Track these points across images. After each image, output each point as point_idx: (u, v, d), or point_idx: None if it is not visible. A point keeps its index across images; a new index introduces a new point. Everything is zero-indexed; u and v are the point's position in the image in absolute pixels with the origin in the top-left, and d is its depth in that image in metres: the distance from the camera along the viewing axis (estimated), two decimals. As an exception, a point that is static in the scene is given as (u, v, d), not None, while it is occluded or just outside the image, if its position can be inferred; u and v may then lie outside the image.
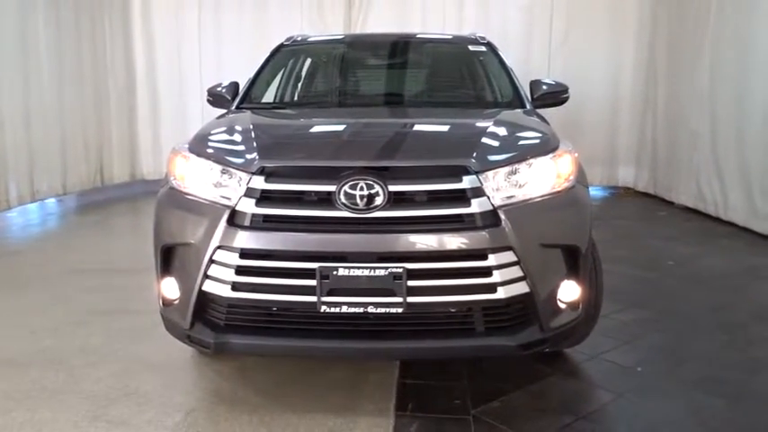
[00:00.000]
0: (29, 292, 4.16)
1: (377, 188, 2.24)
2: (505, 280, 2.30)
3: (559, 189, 2.50)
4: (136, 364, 3.02)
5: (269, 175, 2.34)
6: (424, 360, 2.86)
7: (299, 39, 4.10)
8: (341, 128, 2.90)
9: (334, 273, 2.23)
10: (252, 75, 3.70)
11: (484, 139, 2.57)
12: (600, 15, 8.31)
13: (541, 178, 2.46)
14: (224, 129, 2.76)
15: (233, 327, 2.39)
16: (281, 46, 3.97)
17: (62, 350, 3.19)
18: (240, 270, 2.30)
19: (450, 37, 4.19)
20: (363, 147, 2.52)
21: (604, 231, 6.08)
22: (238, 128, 2.73)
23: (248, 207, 2.31)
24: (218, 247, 2.31)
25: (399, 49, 4.09)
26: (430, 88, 3.79)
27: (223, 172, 2.42)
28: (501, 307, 2.35)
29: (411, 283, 2.24)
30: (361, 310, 2.26)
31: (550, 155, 2.54)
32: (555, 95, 3.61)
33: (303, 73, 4.03)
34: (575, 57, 8.41)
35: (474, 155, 2.36)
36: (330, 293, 2.25)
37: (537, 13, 8.45)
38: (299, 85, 3.97)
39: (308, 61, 4.07)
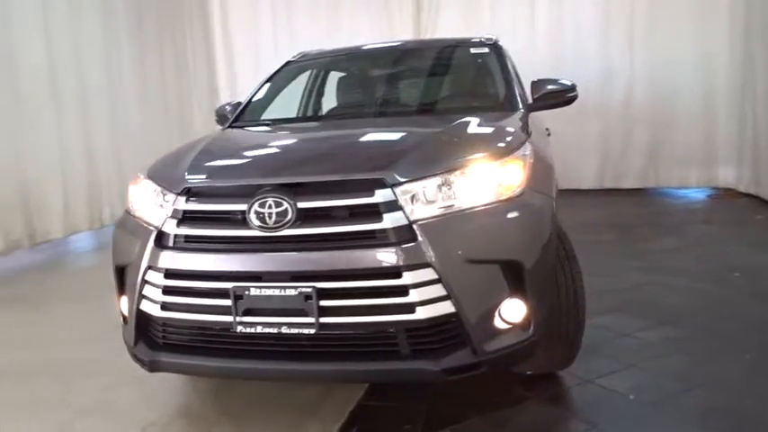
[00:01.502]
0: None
1: (285, 205, 2.18)
2: (425, 299, 2.14)
3: (502, 199, 2.30)
4: (127, 377, 3.15)
5: (191, 195, 2.36)
6: (346, 382, 2.75)
7: (309, 54, 4.11)
8: (279, 145, 2.87)
9: (247, 293, 2.20)
10: (251, 93, 3.77)
11: (416, 150, 2.42)
12: (685, 3, 7.65)
13: (478, 188, 2.27)
14: (180, 151, 2.82)
15: (168, 345, 2.42)
16: (287, 63, 4.00)
17: (69, 362, 3.39)
18: (166, 290, 2.33)
19: (452, 41, 4.02)
20: (281, 163, 2.47)
21: (677, 238, 5.60)
22: (191, 149, 2.78)
23: (171, 228, 2.34)
24: (149, 268, 2.36)
25: (395, 59, 3.99)
26: (414, 97, 3.66)
27: (161, 193, 2.47)
28: (424, 328, 2.19)
29: (323, 303, 2.16)
30: (276, 330, 2.21)
31: (493, 162, 2.35)
32: (558, 95, 3.35)
33: (302, 89, 4.04)
34: (659, 49, 7.82)
35: (393, 167, 2.23)
36: (246, 313, 2.22)
37: (614, 6, 7.95)
38: (298, 101, 3.99)
39: (310, 76, 4.07)
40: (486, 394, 2.75)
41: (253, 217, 2.20)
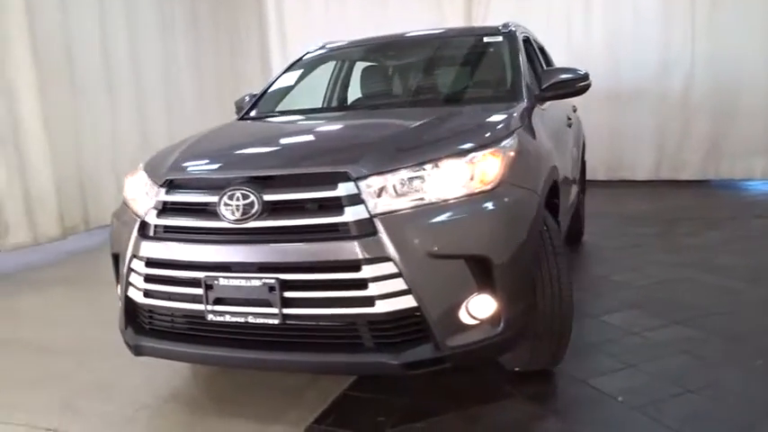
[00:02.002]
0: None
1: (252, 198, 2.22)
2: (385, 293, 2.14)
3: (472, 193, 2.26)
4: (137, 360, 3.29)
5: (171, 187, 2.45)
6: (310, 372, 2.76)
7: (328, 46, 4.14)
8: (261, 137, 2.92)
9: (217, 282, 2.27)
10: (267, 84, 3.84)
11: (386, 142, 2.40)
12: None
13: (447, 182, 2.24)
14: (176, 144, 2.91)
15: (152, 331, 2.53)
16: (305, 54, 4.05)
17: (94, 341, 3.58)
18: (147, 278, 2.44)
19: (467, 31, 3.94)
20: (254, 156, 2.51)
21: (723, 233, 5.35)
22: (186, 142, 2.87)
23: (152, 218, 2.43)
24: (133, 256, 2.47)
25: (406, 50, 3.94)
26: (414, 89, 3.62)
27: (150, 185, 2.57)
28: (385, 322, 2.20)
29: (287, 294, 2.20)
30: (243, 319, 2.27)
31: (466, 156, 2.31)
32: (568, 84, 3.24)
33: (317, 80, 4.06)
34: (723, 37, 7.41)
35: (358, 160, 2.23)
36: (216, 302, 2.29)
37: (674, -6, 7.58)
38: (320, 92, 4.00)
39: (326, 68, 4.09)
40: (471, 389, 2.73)
41: (222, 209, 2.26)
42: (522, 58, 3.37)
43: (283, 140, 2.81)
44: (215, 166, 2.48)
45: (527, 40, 3.93)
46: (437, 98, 3.50)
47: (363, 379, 2.84)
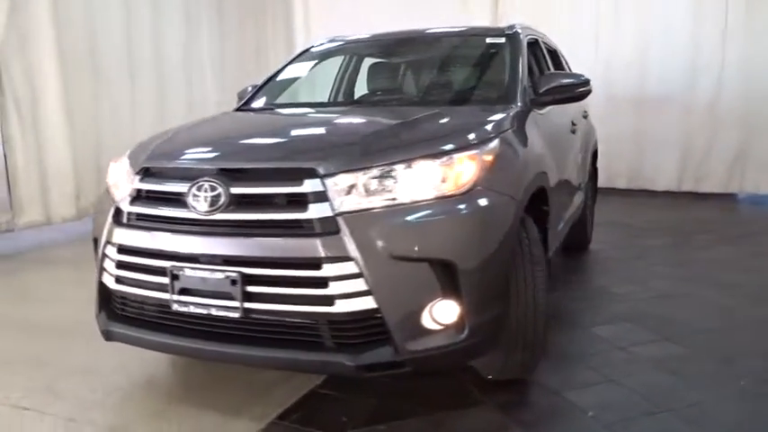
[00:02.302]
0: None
1: (219, 190, 2.22)
2: (345, 293, 2.12)
3: (442, 196, 2.22)
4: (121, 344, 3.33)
5: (146, 175, 2.46)
6: (269, 368, 2.72)
7: (332, 40, 4.12)
8: (240, 130, 2.91)
9: (182, 273, 2.27)
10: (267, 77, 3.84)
11: (359, 141, 2.38)
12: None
13: (416, 183, 2.21)
14: (161, 133, 2.92)
15: (122, 317, 2.55)
16: (308, 49, 4.04)
17: (86, 324, 3.62)
18: (119, 264, 2.46)
19: (471, 31, 3.87)
20: (227, 148, 2.49)
21: (737, 248, 5.23)
22: (169, 131, 2.88)
23: (126, 205, 2.45)
24: (107, 242, 2.49)
25: (408, 48, 3.89)
26: (407, 88, 3.59)
27: (130, 172, 2.58)
28: (345, 322, 2.18)
29: (249, 288, 2.19)
30: (206, 311, 2.27)
31: (440, 158, 2.27)
32: (566, 89, 3.19)
33: (321, 74, 4.03)
34: (756, 42, 7.19)
35: (327, 157, 2.21)
36: (181, 293, 2.29)
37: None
38: (319, 86, 3.98)
39: (331, 62, 4.06)
40: (443, 394, 2.70)
41: (191, 199, 2.26)
42: (523, 61, 3.30)
43: (261, 134, 2.80)
44: (189, 157, 2.48)
45: (534, 43, 3.87)
46: (429, 98, 3.46)
47: (336, 377, 2.82)
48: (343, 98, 3.69)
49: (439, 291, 2.20)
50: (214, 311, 2.25)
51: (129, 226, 2.43)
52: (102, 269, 2.54)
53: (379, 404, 2.63)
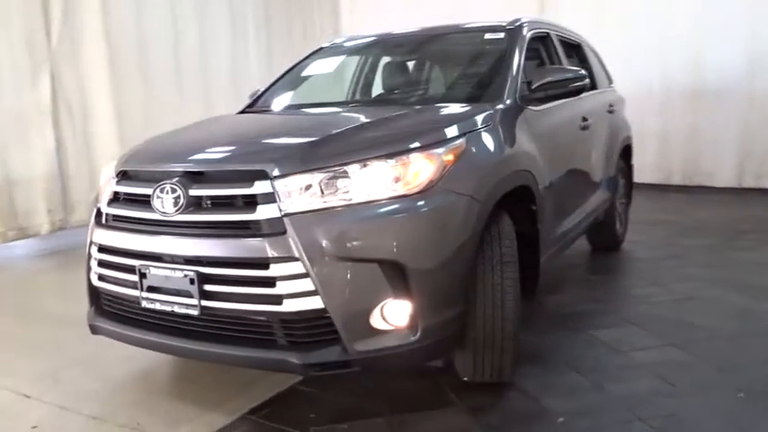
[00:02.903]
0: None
1: (179, 192, 2.30)
2: (292, 293, 2.16)
3: (397, 196, 2.22)
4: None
5: (124, 177, 2.58)
6: (225, 364, 2.72)
7: (342, 40, 4.16)
8: (213, 132, 2.97)
9: (149, 271, 2.37)
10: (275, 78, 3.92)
11: (312, 142, 2.40)
12: None
13: (367, 183, 2.21)
14: (153, 136, 3.04)
15: (107, 312, 2.68)
16: (319, 49, 4.09)
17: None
18: (100, 263, 2.59)
19: (473, 27, 3.80)
20: (192, 151, 2.56)
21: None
22: (160, 133, 2.99)
23: (104, 206, 2.58)
24: (91, 242, 2.63)
25: (408, 47, 3.86)
26: (395, 87, 3.55)
27: (112, 174, 2.71)
28: (295, 321, 2.21)
29: (206, 287, 2.27)
30: (170, 308, 2.36)
31: (394, 158, 2.26)
32: (558, 85, 3.11)
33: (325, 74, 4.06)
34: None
35: (278, 159, 2.25)
36: (149, 290, 2.40)
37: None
38: (321, 86, 4.01)
39: (336, 62, 4.08)
40: (417, 395, 2.69)
41: (155, 201, 2.35)
42: (517, 57, 3.23)
43: (230, 136, 2.87)
44: (158, 160, 2.58)
45: (543, 38, 3.77)
46: (411, 97, 3.45)
47: (318, 375, 2.85)
48: (332, 99, 3.71)
49: (389, 291, 2.20)
50: (176, 309, 2.34)
51: (106, 226, 2.55)
52: (88, 267, 2.69)
53: (351, 403, 2.65)
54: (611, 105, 4.66)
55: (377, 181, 2.23)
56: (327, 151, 2.32)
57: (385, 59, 3.96)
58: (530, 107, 3.14)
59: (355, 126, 2.62)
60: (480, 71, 3.41)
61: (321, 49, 4.04)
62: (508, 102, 2.99)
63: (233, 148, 2.60)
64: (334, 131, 2.53)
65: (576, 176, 3.72)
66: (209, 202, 2.29)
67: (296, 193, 2.19)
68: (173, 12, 7.20)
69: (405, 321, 2.22)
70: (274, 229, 2.16)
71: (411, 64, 3.82)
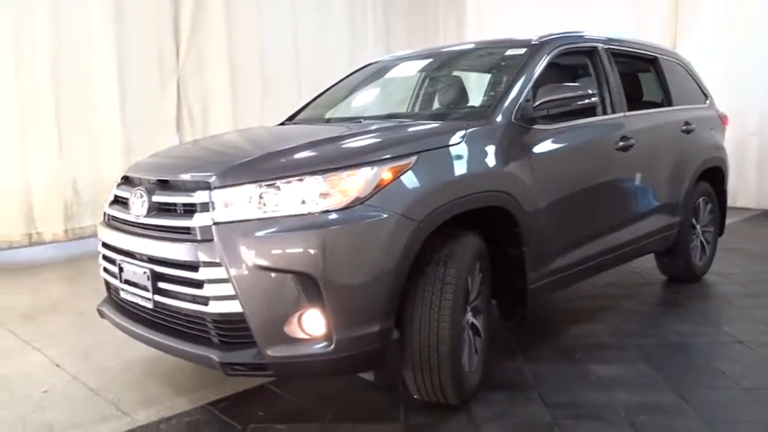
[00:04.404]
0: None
1: (144, 198, 2.59)
2: (216, 295, 2.34)
3: (321, 211, 2.31)
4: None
5: (124, 182, 2.92)
6: (170, 355, 2.76)
7: (388, 57, 4.26)
8: (207, 143, 3.19)
9: (124, 266, 2.69)
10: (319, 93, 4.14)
11: (256, 157, 2.55)
12: None
13: (298, 198, 2.32)
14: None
15: (110, 300, 3.05)
16: (367, 65, 4.23)
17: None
18: (102, 257, 2.96)
19: (499, 43, 3.67)
20: (169, 161, 2.82)
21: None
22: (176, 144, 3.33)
23: (106, 207, 2.95)
24: (100, 239, 3.02)
25: (433, 64, 3.84)
26: (402, 104, 3.54)
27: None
28: (220, 321, 2.39)
29: (159, 284, 2.53)
30: (137, 300, 2.66)
31: (324, 174, 2.35)
32: (561, 103, 2.99)
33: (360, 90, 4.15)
34: None
35: (219, 172, 2.43)
36: (125, 283, 2.71)
37: None
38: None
39: (378, 79, 4.16)
40: (368, 406, 2.76)
41: (130, 205, 2.67)
42: (524, 74, 3.13)
43: (210, 149, 3.10)
44: (145, 168, 2.89)
45: (586, 53, 3.61)
46: (408, 115, 3.46)
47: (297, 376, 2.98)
48: (332, 115, 3.80)
49: (305, 302, 2.30)
50: (139, 300, 2.63)
51: (106, 225, 2.92)
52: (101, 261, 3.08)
53: (302, 405, 2.77)
54: (687, 124, 4.27)
55: (304, 196, 2.34)
56: (267, 166, 2.47)
57: (397, 77, 4.00)
58: (535, 126, 3.04)
59: (309, 143, 2.73)
60: (486, 89, 3.34)
61: (363, 67, 4.19)
62: (498, 120, 2.92)
63: (198, 160, 2.84)
64: (286, 148, 2.67)
65: (602, 199, 3.50)
66: (165, 207, 2.55)
67: (229, 204, 2.37)
68: (294, 22, 7.73)
69: (320, 332, 2.31)
70: (205, 235, 2.36)
71: (419, 81, 3.83)
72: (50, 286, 5.09)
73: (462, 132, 2.75)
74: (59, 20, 5.93)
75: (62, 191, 6.08)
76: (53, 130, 5.98)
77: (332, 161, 2.43)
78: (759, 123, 7.52)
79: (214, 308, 2.36)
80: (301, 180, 2.36)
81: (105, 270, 2.96)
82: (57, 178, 6.03)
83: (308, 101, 4.14)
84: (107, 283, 3.06)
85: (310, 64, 7.91)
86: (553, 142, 3.14)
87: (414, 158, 2.51)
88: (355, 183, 2.36)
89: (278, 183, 2.37)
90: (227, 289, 2.32)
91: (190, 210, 2.44)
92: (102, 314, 3.04)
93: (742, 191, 7.66)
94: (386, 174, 2.41)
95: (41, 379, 3.15)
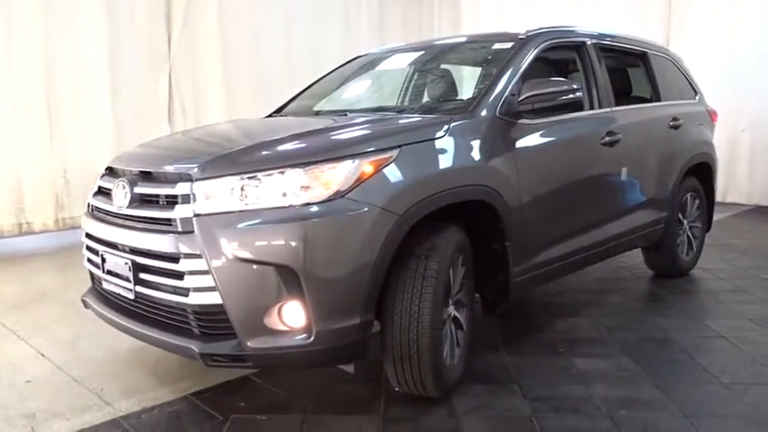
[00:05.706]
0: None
1: (127, 189, 2.59)
2: (197, 287, 2.34)
3: (301, 204, 2.31)
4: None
5: (107, 173, 2.92)
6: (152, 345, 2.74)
7: (378, 50, 4.25)
8: (196, 136, 3.18)
9: (107, 257, 2.69)
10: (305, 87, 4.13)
11: (237, 149, 2.55)
12: None
13: (278, 190, 2.32)
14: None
15: (94, 290, 3.05)
16: (354, 58, 4.22)
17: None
18: (86, 248, 2.96)
19: (487, 37, 3.67)
20: (152, 153, 2.82)
21: None
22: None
23: (90, 198, 2.95)
24: (83, 230, 3.02)
25: (422, 57, 3.84)
26: (389, 97, 3.53)
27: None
28: (201, 313, 2.39)
29: (140, 275, 2.53)
30: (119, 291, 2.66)
31: (305, 167, 2.35)
32: (545, 98, 2.99)
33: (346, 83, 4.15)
34: None
35: (202, 163, 2.43)
36: (107, 273, 2.72)
37: None
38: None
39: (368, 71, 4.15)
40: (351, 399, 2.77)
41: (113, 196, 2.67)
42: (509, 68, 3.13)
43: (193, 140, 3.10)
44: (128, 160, 2.88)
45: (574, 47, 3.61)
46: (394, 108, 3.46)
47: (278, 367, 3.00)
48: (322, 108, 3.79)
49: (285, 294, 2.30)
50: (121, 291, 2.64)
51: (89, 215, 2.92)
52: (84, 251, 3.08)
53: (283, 397, 2.79)
54: (675, 119, 4.28)
55: (285, 189, 2.34)
56: (248, 158, 2.47)
57: (386, 69, 4.00)
58: (521, 120, 3.05)
59: (293, 135, 2.74)
60: (472, 83, 3.33)
61: (354, 59, 4.19)
62: (482, 114, 2.93)
63: (181, 151, 2.84)
64: (270, 140, 2.68)
65: (588, 194, 3.50)
66: (147, 199, 2.55)
67: (211, 196, 2.37)
68: (287, 16, 7.71)
69: (300, 324, 2.32)
70: (186, 227, 2.36)
71: (409, 74, 3.83)
72: (39, 276, 5.10)
73: (446, 126, 2.75)
74: (50, 10, 5.91)
75: (53, 181, 6.07)
76: (44, 121, 5.96)
77: (313, 154, 2.43)
78: (750, 120, 7.53)
79: (194, 299, 2.36)
80: (282, 173, 2.36)
81: (89, 260, 2.96)
82: (47, 168, 6.02)
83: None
84: (91, 274, 3.06)
85: (304, 55, 7.90)
86: (538, 137, 3.15)
87: (395, 152, 2.51)
88: (336, 176, 2.36)
89: (259, 175, 2.37)
90: (208, 280, 2.32)
91: (171, 201, 2.44)
92: (86, 304, 3.04)
93: (733, 187, 7.69)
94: (367, 167, 2.42)
95: (26, 368, 3.16)
